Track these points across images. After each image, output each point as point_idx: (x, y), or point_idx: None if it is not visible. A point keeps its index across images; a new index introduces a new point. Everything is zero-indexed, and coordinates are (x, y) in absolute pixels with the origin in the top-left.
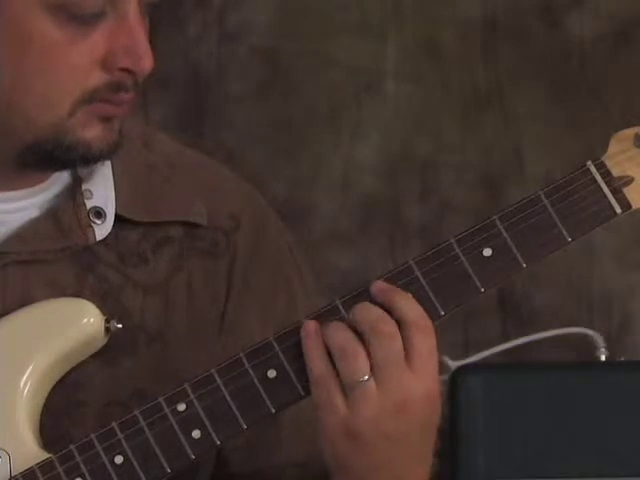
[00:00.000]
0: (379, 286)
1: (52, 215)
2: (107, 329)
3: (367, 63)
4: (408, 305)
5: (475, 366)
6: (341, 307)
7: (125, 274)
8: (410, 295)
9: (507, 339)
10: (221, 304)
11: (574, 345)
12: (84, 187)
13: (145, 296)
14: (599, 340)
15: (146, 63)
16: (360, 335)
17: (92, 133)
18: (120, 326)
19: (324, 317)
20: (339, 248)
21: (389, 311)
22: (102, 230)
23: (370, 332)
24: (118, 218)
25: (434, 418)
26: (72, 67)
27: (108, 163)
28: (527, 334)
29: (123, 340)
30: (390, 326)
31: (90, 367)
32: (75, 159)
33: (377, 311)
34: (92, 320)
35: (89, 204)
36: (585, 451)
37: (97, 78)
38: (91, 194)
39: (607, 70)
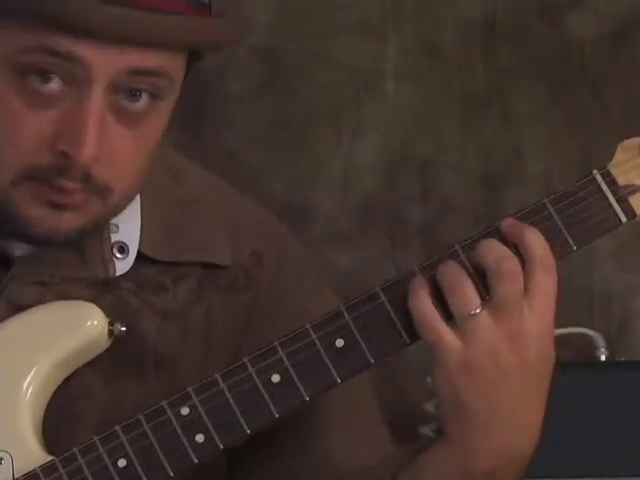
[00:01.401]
0: (509, 222)
1: (77, 245)
2: (111, 332)
3: (367, 63)
4: (537, 240)
5: None
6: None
7: (144, 300)
8: (538, 231)
9: None
10: (237, 339)
11: (574, 345)
12: (112, 221)
13: (164, 321)
14: (599, 340)
15: (84, 153)
16: (480, 273)
17: (35, 213)
18: (124, 329)
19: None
20: (339, 248)
21: (516, 246)
22: (123, 265)
23: (494, 268)
24: (139, 254)
25: (550, 354)
26: (21, 138)
27: (137, 198)
28: None
29: (132, 361)
30: (514, 265)
31: (93, 380)
32: (19, 233)
33: (502, 248)
34: (96, 322)
35: (114, 238)
36: (585, 451)
37: (42, 156)
38: (117, 228)
39: (607, 70)
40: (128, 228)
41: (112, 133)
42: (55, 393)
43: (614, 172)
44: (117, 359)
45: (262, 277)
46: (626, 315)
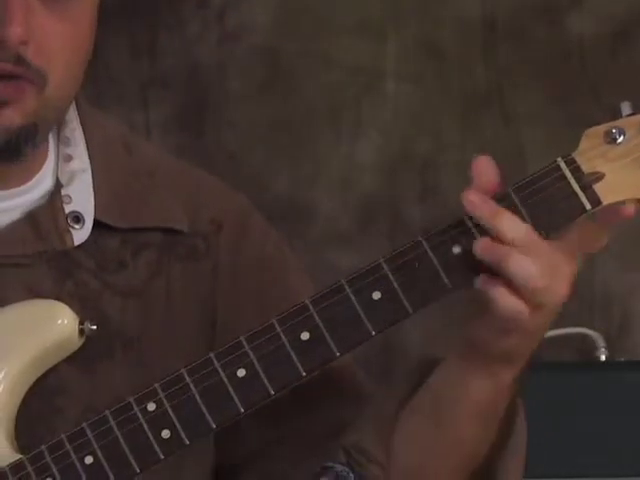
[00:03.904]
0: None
1: (31, 219)
2: (81, 331)
3: (367, 63)
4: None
5: None
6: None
7: (104, 280)
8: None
9: None
10: (207, 307)
11: (574, 345)
12: (64, 192)
13: (124, 301)
14: (599, 340)
15: (12, 30)
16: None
17: None
18: (94, 328)
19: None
20: (339, 248)
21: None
22: (80, 235)
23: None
24: (97, 224)
25: None
26: None
27: (88, 169)
28: None
29: (101, 346)
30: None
31: (69, 373)
32: None
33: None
34: (66, 322)
35: (67, 209)
36: (585, 451)
37: None
38: (70, 199)
39: (607, 70)
40: (81, 198)
41: (39, 16)
42: (32, 391)
43: (579, 160)
44: (88, 346)
45: (222, 244)
46: (626, 315)
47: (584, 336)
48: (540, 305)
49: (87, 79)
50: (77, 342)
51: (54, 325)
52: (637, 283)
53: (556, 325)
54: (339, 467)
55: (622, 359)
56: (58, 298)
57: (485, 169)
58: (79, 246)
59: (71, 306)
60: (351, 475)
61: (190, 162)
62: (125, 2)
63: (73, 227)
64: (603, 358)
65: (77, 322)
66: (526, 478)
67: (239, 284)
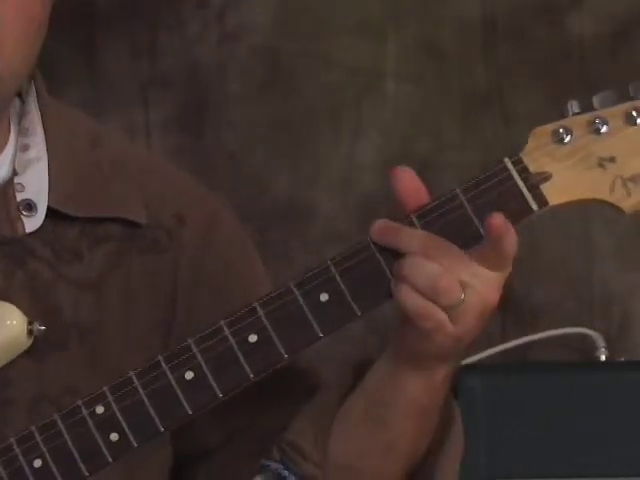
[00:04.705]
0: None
1: None
2: (30, 331)
3: (367, 63)
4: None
5: (475, 366)
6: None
7: (59, 270)
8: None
9: (507, 339)
10: (167, 301)
11: (574, 345)
12: (16, 180)
13: (78, 292)
14: (599, 340)
15: None
16: None
17: None
18: (43, 328)
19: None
20: (339, 248)
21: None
22: (32, 222)
23: (430, 287)
24: (54, 213)
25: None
26: None
27: (44, 158)
28: (527, 334)
29: (53, 336)
30: (447, 280)
31: (19, 364)
32: None
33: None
34: (15, 322)
35: (19, 197)
36: (585, 451)
37: None
38: (23, 187)
39: (607, 70)
40: (34, 186)
41: None
42: None
43: (526, 159)
44: (40, 337)
45: (186, 238)
46: (626, 315)
47: (584, 336)
48: (451, 305)
49: (87, 79)
50: (26, 342)
51: (3, 326)
52: (637, 283)
53: (556, 325)
54: (274, 465)
55: (622, 359)
56: (8, 289)
57: (409, 182)
58: (34, 234)
59: (21, 298)
60: (285, 472)
61: (190, 162)
62: (125, 2)
63: (24, 214)
64: (603, 358)
65: (26, 322)
66: (526, 478)
67: (201, 281)
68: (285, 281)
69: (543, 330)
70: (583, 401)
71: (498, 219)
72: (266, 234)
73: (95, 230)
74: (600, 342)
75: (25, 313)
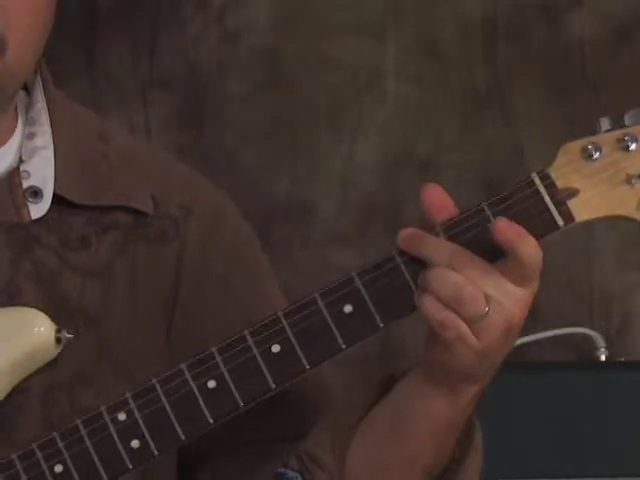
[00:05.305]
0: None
1: None
2: (58, 339)
3: (367, 63)
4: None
5: None
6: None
7: (65, 258)
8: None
9: None
10: (173, 290)
11: (574, 345)
12: (22, 168)
13: (84, 280)
14: (599, 340)
15: None
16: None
17: None
18: (71, 336)
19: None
20: (339, 248)
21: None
22: (38, 208)
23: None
24: (61, 200)
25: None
26: None
27: (50, 146)
28: (527, 334)
29: (61, 324)
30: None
31: None
32: None
33: (454, 276)
34: (42, 329)
35: (25, 184)
36: (585, 451)
37: None
38: (29, 174)
39: (607, 70)
40: (40, 173)
41: None
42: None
43: (553, 175)
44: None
45: (192, 228)
46: (626, 315)
47: (584, 336)
48: (474, 316)
49: (87, 79)
50: (53, 350)
51: (31, 333)
52: (637, 283)
53: (556, 325)
54: (290, 474)
55: (622, 359)
56: (14, 278)
57: (436, 197)
58: (40, 221)
59: (27, 285)
60: None
61: (190, 162)
62: (125, 2)
63: (30, 201)
64: (603, 358)
65: (54, 330)
66: (526, 478)
67: (207, 270)
68: (285, 281)
69: (543, 330)
70: (583, 401)
71: (501, 222)
72: (266, 234)
73: (102, 218)
74: (600, 342)
75: (31, 300)
